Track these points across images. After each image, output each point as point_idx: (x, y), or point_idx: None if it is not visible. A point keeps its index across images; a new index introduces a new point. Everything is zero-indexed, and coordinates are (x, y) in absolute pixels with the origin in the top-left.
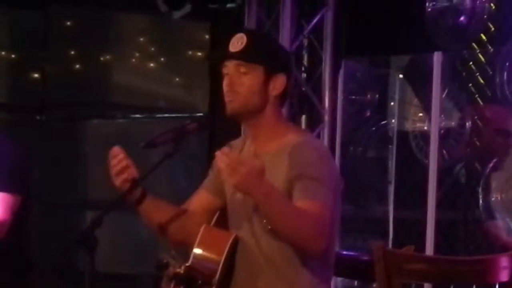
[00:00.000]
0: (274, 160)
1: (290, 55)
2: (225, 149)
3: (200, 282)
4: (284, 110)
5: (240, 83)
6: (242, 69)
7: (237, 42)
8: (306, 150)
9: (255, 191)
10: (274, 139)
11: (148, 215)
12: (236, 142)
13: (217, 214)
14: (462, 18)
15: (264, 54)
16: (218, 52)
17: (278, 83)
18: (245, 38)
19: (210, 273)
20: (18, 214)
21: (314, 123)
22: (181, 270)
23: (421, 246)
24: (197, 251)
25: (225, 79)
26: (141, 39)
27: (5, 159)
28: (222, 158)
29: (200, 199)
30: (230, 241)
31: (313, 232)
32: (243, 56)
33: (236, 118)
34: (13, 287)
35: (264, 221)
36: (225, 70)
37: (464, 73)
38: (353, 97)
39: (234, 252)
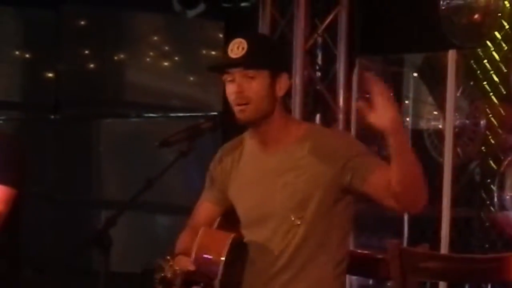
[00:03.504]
0: (292, 152)
1: (287, 51)
2: None
3: (202, 285)
4: (298, 109)
5: (249, 88)
6: (250, 74)
7: (237, 48)
8: (330, 139)
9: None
10: (283, 138)
11: None
12: (231, 144)
13: (218, 219)
14: (476, 16)
15: (267, 57)
16: (222, 61)
17: (283, 83)
18: (245, 43)
19: (212, 275)
20: (14, 208)
21: (328, 122)
22: (168, 274)
23: (436, 244)
24: (196, 254)
25: (231, 87)
26: (155, 38)
27: (1, 152)
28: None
29: (206, 213)
30: (229, 241)
31: (422, 184)
32: (248, 61)
33: (249, 125)
34: (8, 280)
35: (293, 218)
36: (228, 77)
37: (478, 71)
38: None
39: (235, 251)
